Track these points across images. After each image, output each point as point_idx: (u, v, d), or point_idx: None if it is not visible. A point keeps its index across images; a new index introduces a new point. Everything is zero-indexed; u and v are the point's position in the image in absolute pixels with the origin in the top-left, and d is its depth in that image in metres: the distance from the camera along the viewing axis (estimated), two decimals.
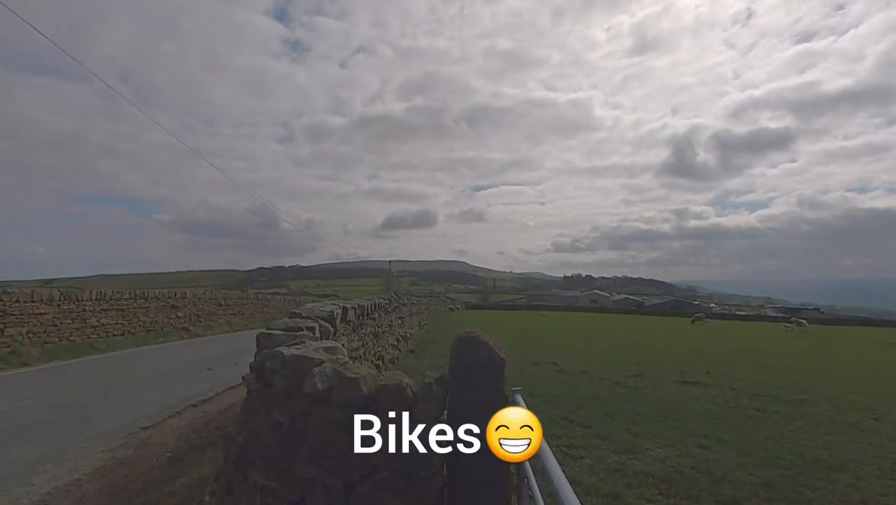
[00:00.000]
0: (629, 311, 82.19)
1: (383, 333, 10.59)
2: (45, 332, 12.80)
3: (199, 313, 21.50)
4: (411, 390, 2.62)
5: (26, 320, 12.27)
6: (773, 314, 71.17)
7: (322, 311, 4.96)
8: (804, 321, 34.34)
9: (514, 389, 2.88)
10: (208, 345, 16.50)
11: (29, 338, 12.22)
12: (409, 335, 17.26)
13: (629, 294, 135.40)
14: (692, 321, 41.02)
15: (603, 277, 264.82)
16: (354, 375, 2.64)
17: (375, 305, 9.24)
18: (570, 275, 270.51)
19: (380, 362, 9.12)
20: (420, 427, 2.53)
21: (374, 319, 9.14)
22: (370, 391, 2.62)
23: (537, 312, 64.67)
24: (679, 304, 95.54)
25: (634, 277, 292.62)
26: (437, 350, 14.28)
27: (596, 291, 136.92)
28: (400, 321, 15.29)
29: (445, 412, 2.66)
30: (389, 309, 12.32)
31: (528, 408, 2.85)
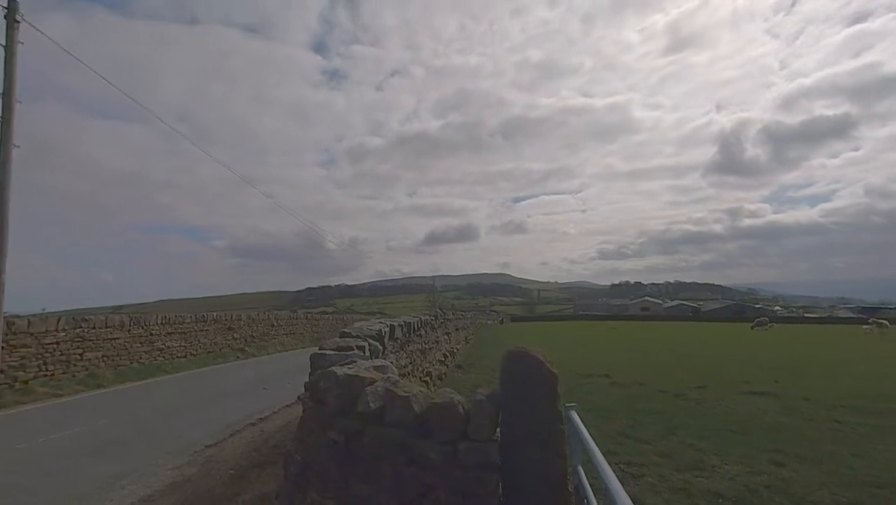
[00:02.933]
0: (684, 318, 78.38)
1: (430, 349, 10.62)
2: (117, 355, 13.75)
3: (254, 334, 22.41)
4: (463, 408, 2.60)
5: (101, 345, 13.23)
6: (848, 315, 65.72)
7: (370, 329, 5.05)
8: (885, 322, 31.49)
9: (567, 404, 2.81)
10: (263, 365, 17.13)
11: (104, 361, 13.16)
12: (455, 351, 17.22)
13: (683, 300, 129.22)
14: (752, 326, 38.61)
15: (653, 284, 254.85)
16: (406, 394, 2.66)
17: (422, 321, 9.30)
18: (617, 282, 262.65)
19: (428, 379, 9.13)
20: (472, 446, 2.52)
21: (420, 335, 9.19)
22: (422, 410, 2.62)
23: (585, 322, 62.96)
24: (740, 308, 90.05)
25: (687, 281, 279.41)
26: (484, 365, 14.16)
27: (647, 298, 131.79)
28: (446, 337, 15.29)
29: (498, 430, 2.62)
30: (435, 325, 12.36)
31: (583, 423, 2.77)
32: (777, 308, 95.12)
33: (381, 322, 6.48)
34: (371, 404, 2.71)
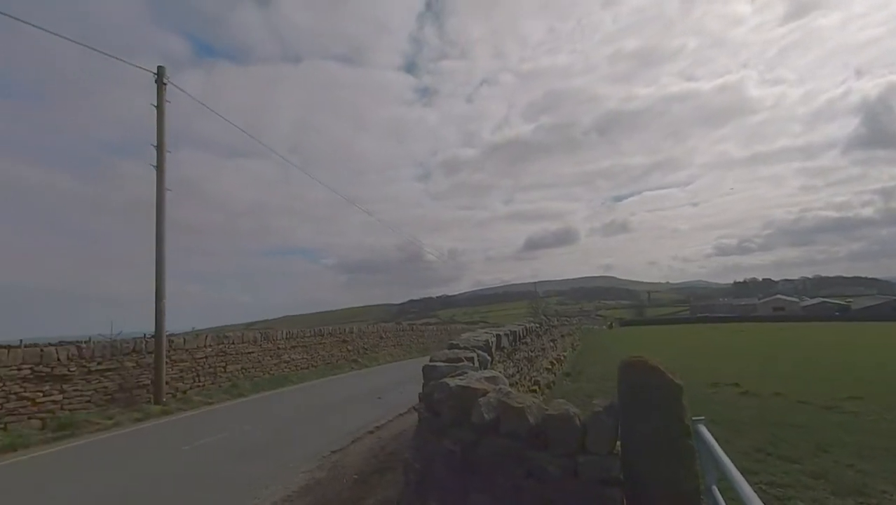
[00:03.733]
0: (828, 318, 67.91)
1: (537, 357, 10.46)
2: (252, 367, 15.51)
3: (365, 346, 23.86)
4: (579, 420, 2.54)
5: (240, 358, 15.05)
6: None
7: (477, 340, 5.13)
8: None
9: (694, 417, 2.60)
10: (375, 375, 18.13)
11: (242, 373, 14.93)
12: (562, 358, 16.73)
13: (826, 297, 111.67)
14: None
15: (786, 280, 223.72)
16: (520, 405, 2.67)
17: (526, 329, 9.22)
18: (741, 280, 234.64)
19: (536, 388, 8.99)
20: (591, 460, 2.44)
21: (526, 343, 9.10)
22: (537, 421, 2.61)
23: (706, 325, 57.31)
24: None
25: (831, 275, 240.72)
26: (593, 373, 13.56)
27: (779, 296, 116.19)
28: (552, 344, 14.93)
29: (618, 443, 2.52)
30: (540, 332, 12.15)
31: (714, 438, 2.54)
32: None
33: (486, 332, 6.56)
34: (485, 415, 2.77)
